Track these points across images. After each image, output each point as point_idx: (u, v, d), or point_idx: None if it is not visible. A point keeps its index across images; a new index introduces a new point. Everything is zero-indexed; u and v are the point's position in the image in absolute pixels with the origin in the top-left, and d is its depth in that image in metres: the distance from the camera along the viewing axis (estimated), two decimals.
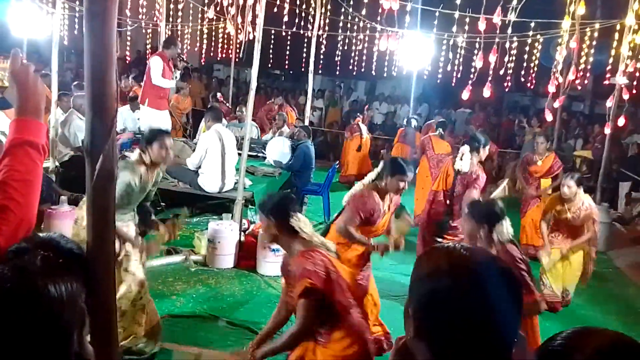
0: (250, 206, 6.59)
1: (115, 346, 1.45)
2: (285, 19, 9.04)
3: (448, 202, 5.22)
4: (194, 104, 12.00)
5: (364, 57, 10.99)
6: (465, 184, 5.09)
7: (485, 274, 1.04)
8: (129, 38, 10.55)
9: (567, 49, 6.76)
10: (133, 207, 3.66)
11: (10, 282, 1.00)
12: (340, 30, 10.48)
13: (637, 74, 7.18)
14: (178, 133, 9.71)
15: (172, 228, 3.83)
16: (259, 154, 8.54)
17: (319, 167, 9.07)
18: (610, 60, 7.27)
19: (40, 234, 1.21)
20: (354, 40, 10.95)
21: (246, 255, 5.64)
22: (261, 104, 12.47)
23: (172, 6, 9.72)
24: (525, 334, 2.67)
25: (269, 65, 13.24)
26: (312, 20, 9.21)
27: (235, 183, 6.34)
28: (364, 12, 8.07)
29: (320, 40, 9.69)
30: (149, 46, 12.15)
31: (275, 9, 8.61)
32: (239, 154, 6.30)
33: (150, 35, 10.98)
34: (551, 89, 6.27)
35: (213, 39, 11.62)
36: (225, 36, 11.20)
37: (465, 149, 5.19)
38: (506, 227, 3.12)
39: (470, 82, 5.75)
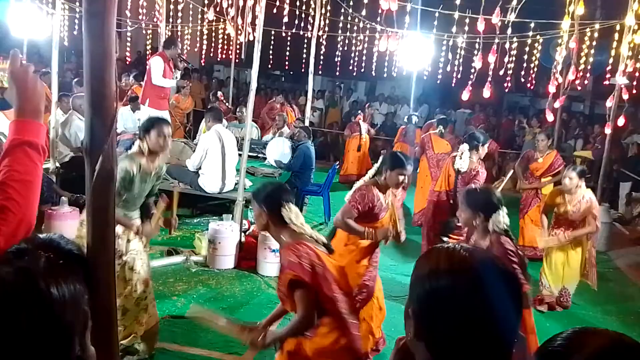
0: (250, 207, 6.59)
1: (115, 347, 1.45)
2: (285, 19, 9.04)
3: (452, 201, 5.22)
4: (193, 104, 12.00)
5: (364, 58, 11.01)
6: (467, 182, 5.10)
7: (485, 275, 1.04)
8: (129, 39, 10.56)
9: (566, 49, 6.77)
10: (137, 204, 3.60)
11: (12, 283, 0.99)
12: (340, 31, 10.49)
13: (637, 74, 7.19)
14: (177, 133, 9.69)
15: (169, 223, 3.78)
16: (259, 155, 8.54)
17: (319, 167, 9.07)
18: (610, 61, 7.27)
19: (40, 235, 1.20)
20: (353, 41, 10.96)
21: (246, 255, 5.64)
22: (261, 104, 12.47)
23: (172, 7, 9.73)
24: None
25: (269, 66, 13.25)
26: (312, 21, 9.22)
27: (236, 184, 6.34)
28: (363, 12, 8.07)
29: (320, 40, 9.70)
30: (149, 47, 12.16)
31: (275, 10, 8.62)
32: (239, 155, 6.30)
33: (151, 36, 10.99)
34: (551, 89, 6.28)
35: (213, 39, 11.63)
36: (226, 37, 11.22)
37: (464, 147, 5.19)
38: (502, 217, 3.10)
39: (470, 82, 5.75)
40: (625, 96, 6.55)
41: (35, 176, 1.41)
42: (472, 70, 5.97)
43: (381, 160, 3.72)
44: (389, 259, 6.06)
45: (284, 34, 10.49)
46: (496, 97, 13.83)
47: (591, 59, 8.30)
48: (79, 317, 1.04)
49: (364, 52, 10.93)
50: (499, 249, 2.96)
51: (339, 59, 11.34)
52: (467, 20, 6.94)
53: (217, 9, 7.75)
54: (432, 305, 1.05)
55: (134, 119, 8.32)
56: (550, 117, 6.71)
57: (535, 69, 9.94)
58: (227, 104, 10.57)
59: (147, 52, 11.84)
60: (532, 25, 7.74)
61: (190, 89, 11.12)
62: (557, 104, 6.84)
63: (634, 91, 7.42)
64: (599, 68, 9.14)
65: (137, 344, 3.60)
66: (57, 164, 6.61)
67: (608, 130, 6.75)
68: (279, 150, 8.16)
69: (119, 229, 3.41)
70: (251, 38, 6.89)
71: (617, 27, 6.76)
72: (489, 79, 5.66)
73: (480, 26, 5.55)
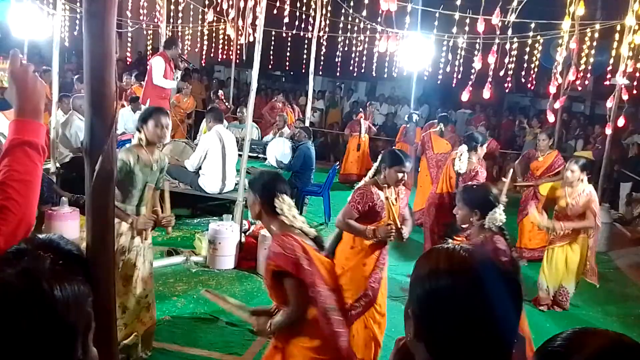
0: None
1: (114, 347, 1.45)
2: (286, 20, 9.04)
3: (455, 203, 5.22)
4: (195, 104, 12.00)
5: (364, 58, 11.01)
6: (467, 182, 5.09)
7: (484, 275, 1.04)
8: (129, 39, 10.56)
9: (567, 50, 6.77)
10: (143, 197, 3.51)
11: (16, 284, 0.99)
12: (340, 32, 10.49)
13: (638, 74, 7.19)
14: (178, 133, 9.70)
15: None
16: (260, 155, 8.55)
17: (319, 168, 9.07)
18: (611, 61, 7.27)
19: (40, 235, 1.20)
20: (354, 42, 10.96)
21: (247, 256, 5.64)
22: (262, 105, 12.48)
23: (172, 7, 9.74)
24: None
25: (270, 67, 13.25)
26: (312, 22, 9.22)
27: (236, 184, 6.34)
28: (364, 13, 8.07)
29: (321, 41, 9.70)
30: (149, 47, 12.16)
31: (276, 11, 8.62)
32: (240, 155, 6.30)
33: (151, 36, 10.99)
34: (552, 90, 6.28)
35: (214, 40, 11.63)
36: (226, 38, 11.21)
37: (463, 149, 5.19)
38: (499, 215, 3.10)
39: (470, 83, 5.75)
40: (625, 96, 6.55)
41: (35, 176, 1.41)
42: (473, 71, 5.97)
43: (380, 159, 3.70)
44: (389, 259, 6.05)
45: (284, 35, 10.49)
46: (497, 98, 13.83)
47: (591, 60, 8.30)
48: (82, 319, 1.04)
49: (365, 52, 10.94)
50: (490, 248, 2.95)
51: (340, 59, 11.35)
52: (467, 21, 6.94)
53: (218, 10, 7.76)
54: (432, 306, 1.05)
55: (135, 119, 8.32)
56: (551, 117, 6.71)
57: (536, 70, 9.94)
58: (227, 103, 10.57)
59: (148, 53, 11.84)
60: (533, 25, 7.74)
61: (191, 89, 11.13)
62: (557, 105, 6.83)
63: (635, 91, 7.42)
64: (599, 68, 9.14)
65: (138, 344, 3.58)
66: (58, 165, 6.62)
67: (608, 131, 6.75)
68: (279, 150, 8.16)
69: (124, 226, 3.40)
70: (252, 39, 6.90)
71: (618, 28, 6.76)
72: (489, 79, 5.66)
73: (481, 27, 5.55)
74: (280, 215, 2.51)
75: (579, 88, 8.92)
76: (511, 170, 5.67)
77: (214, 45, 11.73)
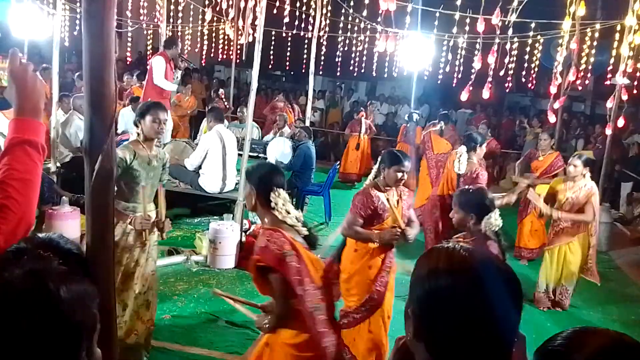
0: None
1: (114, 346, 1.44)
2: (286, 20, 9.03)
3: None
4: (196, 103, 11.99)
5: (365, 58, 11.01)
6: (468, 184, 5.07)
7: (484, 274, 1.04)
8: (129, 39, 10.56)
9: (567, 50, 6.76)
10: (147, 194, 3.48)
11: (22, 285, 0.98)
12: (340, 31, 10.49)
13: (638, 74, 7.18)
14: (180, 133, 9.70)
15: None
16: (260, 155, 8.54)
17: (320, 167, 9.07)
18: (611, 61, 7.26)
19: (40, 235, 1.20)
20: (354, 41, 10.96)
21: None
22: (262, 104, 12.46)
23: (172, 7, 9.73)
24: None
25: (270, 67, 13.24)
26: (312, 22, 9.22)
27: (236, 184, 6.34)
28: (364, 13, 8.07)
29: (321, 41, 9.70)
30: (149, 47, 12.16)
31: (276, 11, 8.61)
32: (240, 155, 6.30)
33: (151, 36, 10.98)
34: (553, 90, 6.27)
35: (214, 40, 11.63)
36: (226, 37, 11.21)
37: (462, 149, 5.18)
38: (494, 219, 3.11)
39: (470, 82, 5.74)
40: (624, 96, 6.55)
41: (34, 175, 1.41)
42: (473, 71, 5.97)
43: (379, 160, 3.70)
44: None
45: (284, 35, 10.49)
46: (497, 97, 13.82)
47: (592, 59, 8.29)
48: (88, 320, 1.03)
49: (365, 52, 10.93)
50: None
51: (340, 59, 11.34)
52: (467, 21, 6.93)
53: (217, 10, 7.75)
54: (431, 306, 1.05)
55: None
56: (552, 117, 6.71)
57: (536, 69, 9.93)
58: (226, 103, 10.57)
59: (148, 53, 11.84)
60: (533, 25, 7.74)
61: (191, 87, 11.13)
62: (557, 104, 6.83)
63: (635, 91, 7.41)
64: (599, 68, 9.13)
65: (140, 346, 3.56)
66: (58, 164, 6.62)
67: (608, 131, 6.75)
68: (279, 150, 8.16)
69: (130, 225, 3.40)
70: (252, 39, 6.89)
71: (618, 28, 6.76)
72: (489, 79, 5.66)
73: (481, 26, 5.55)
74: (274, 209, 2.50)
75: (580, 88, 8.91)
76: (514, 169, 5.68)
77: (214, 45, 11.73)
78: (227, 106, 10.32)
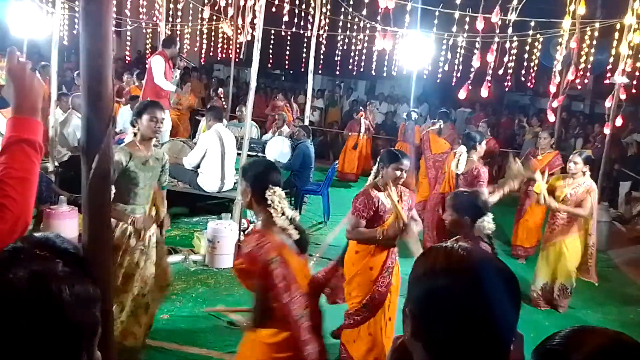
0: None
1: (112, 347, 1.44)
2: (285, 18, 9.03)
3: None
4: (196, 101, 11.98)
5: (364, 57, 11.00)
6: (469, 182, 5.07)
7: (482, 274, 1.03)
8: (128, 38, 10.55)
9: (567, 49, 6.76)
10: (146, 195, 3.47)
11: (24, 286, 0.97)
12: (340, 30, 10.49)
13: (637, 73, 7.18)
14: (181, 133, 9.68)
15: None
16: (259, 154, 8.54)
17: (319, 166, 9.07)
18: (611, 60, 7.27)
19: (36, 234, 1.20)
20: (353, 40, 10.95)
21: None
22: (261, 103, 12.46)
23: (172, 6, 9.72)
24: None
25: (269, 65, 13.25)
26: (312, 20, 9.21)
27: (235, 183, 6.34)
28: (364, 12, 8.07)
29: (320, 40, 9.70)
30: (148, 46, 12.15)
31: (275, 9, 8.61)
32: (239, 154, 6.30)
33: (150, 35, 10.98)
34: (553, 89, 6.28)
35: (213, 39, 11.62)
36: (225, 36, 11.21)
37: (462, 149, 5.18)
38: (487, 222, 3.11)
39: (469, 81, 5.74)
40: (623, 96, 6.56)
41: (32, 174, 1.41)
42: (472, 70, 5.97)
43: (378, 160, 3.71)
44: None
45: (283, 33, 10.48)
46: (496, 96, 13.82)
47: (591, 58, 8.30)
48: (89, 323, 1.02)
49: (364, 51, 10.93)
50: None
51: (339, 58, 11.34)
52: (467, 19, 6.93)
53: (216, 8, 7.74)
54: (429, 305, 1.05)
55: None
56: (551, 117, 6.71)
57: (536, 68, 9.94)
58: (223, 102, 10.57)
59: (147, 51, 11.84)
60: (533, 24, 7.74)
61: (190, 85, 11.12)
62: (555, 103, 6.83)
63: (634, 90, 7.42)
64: (599, 67, 9.14)
65: (138, 350, 3.54)
66: (56, 164, 6.61)
67: (607, 130, 6.75)
68: (278, 149, 8.16)
69: (131, 227, 3.38)
70: (251, 37, 6.89)
71: (617, 27, 6.76)
72: (488, 77, 5.66)
73: (480, 25, 5.54)
74: (269, 207, 2.48)
75: (579, 87, 8.92)
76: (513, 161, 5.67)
77: (213, 43, 11.72)
78: (225, 105, 10.32)
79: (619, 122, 6.64)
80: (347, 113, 14.74)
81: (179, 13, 10.82)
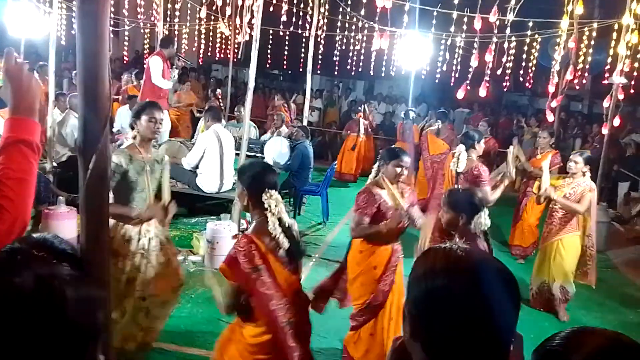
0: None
1: (110, 349, 1.43)
2: (284, 18, 9.03)
3: None
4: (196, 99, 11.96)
5: (362, 57, 11.00)
6: (470, 182, 5.06)
7: (480, 274, 1.03)
8: (126, 38, 10.54)
9: (565, 49, 6.77)
10: (147, 199, 3.44)
11: (29, 289, 0.96)
12: (338, 30, 10.48)
13: (635, 74, 7.19)
14: (181, 133, 9.66)
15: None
16: (257, 154, 8.54)
17: (317, 167, 9.06)
18: (609, 60, 7.28)
19: (34, 235, 1.19)
20: (352, 40, 10.95)
21: None
22: (260, 104, 12.44)
23: (169, 6, 9.71)
24: None
25: (267, 65, 13.23)
26: (310, 20, 9.21)
27: (234, 183, 6.33)
28: (362, 12, 8.06)
29: (319, 40, 9.69)
30: (146, 46, 12.13)
31: (273, 9, 8.60)
32: (237, 154, 6.29)
33: (148, 35, 10.97)
34: (551, 89, 6.28)
35: (211, 39, 11.61)
36: (223, 36, 11.20)
37: (461, 148, 5.18)
38: (484, 219, 3.12)
39: (467, 81, 5.74)
40: (621, 96, 6.56)
41: (30, 174, 1.40)
42: (470, 70, 5.97)
43: (379, 158, 3.71)
44: None
45: (282, 33, 10.47)
46: (495, 96, 13.83)
47: (589, 59, 8.31)
48: (92, 327, 1.02)
49: (362, 51, 10.93)
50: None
51: (337, 58, 11.34)
52: (465, 20, 6.94)
53: (214, 8, 7.74)
54: (428, 306, 1.04)
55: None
56: (550, 117, 6.72)
57: (534, 69, 9.95)
58: (221, 103, 10.56)
59: (145, 52, 11.82)
60: (531, 24, 7.75)
61: (189, 84, 11.11)
62: (554, 103, 6.84)
63: (632, 90, 7.43)
64: (597, 67, 9.15)
65: (137, 351, 3.52)
66: (55, 164, 6.60)
67: (605, 130, 6.76)
68: (276, 149, 8.16)
69: (133, 230, 3.35)
70: (249, 37, 6.88)
71: (615, 27, 6.77)
72: (487, 77, 5.66)
73: (478, 25, 5.54)
74: (265, 211, 2.46)
75: (577, 87, 8.93)
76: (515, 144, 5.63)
77: (211, 44, 11.71)
78: (222, 106, 10.31)
79: (617, 122, 6.64)
80: (346, 113, 14.74)
81: (177, 13, 10.80)
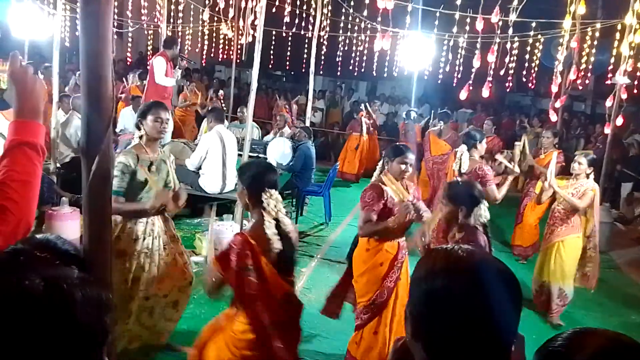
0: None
1: (112, 350, 1.44)
2: (286, 19, 9.04)
3: None
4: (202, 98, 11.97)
5: (365, 58, 11.00)
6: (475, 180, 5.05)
7: (481, 275, 1.03)
8: (130, 39, 10.57)
9: (568, 49, 6.76)
10: (149, 195, 3.42)
11: (40, 293, 0.96)
12: (341, 31, 10.49)
13: (638, 74, 7.18)
14: (185, 134, 9.67)
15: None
16: (260, 155, 8.54)
17: (320, 167, 9.07)
18: (612, 60, 7.26)
19: (37, 236, 1.20)
20: (354, 41, 10.96)
21: None
22: (262, 105, 12.44)
23: (173, 7, 9.73)
24: None
25: (270, 66, 13.25)
26: (312, 21, 9.22)
27: (236, 184, 6.33)
28: (365, 12, 8.07)
29: (321, 41, 9.70)
30: (150, 47, 12.16)
31: (276, 10, 8.61)
32: (240, 155, 6.30)
33: (152, 36, 10.98)
34: (554, 89, 6.27)
35: (214, 40, 11.63)
36: (226, 37, 11.22)
37: (462, 148, 5.18)
38: (483, 210, 3.12)
39: (469, 82, 5.74)
40: (624, 96, 6.55)
41: (34, 176, 1.41)
42: (473, 70, 5.96)
43: (383, 156, 3.72)
44: None
45: (284, 34, 10.48)
46: (497, 97, 13.81)
47: (592, 59, 8.29)
48: (100, 331, 1.02)
49: (365, 52, 10.93)
50: (470, 242, 2.94)
51: (340, 59, 11.34)
52: (468, 20, 6.93)
53: (217, 10, 7.75)
54: (429, 306, 1.05)
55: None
56: (553, 117, 6.71)
57: (537, 69, 9.93)
58: (223, 104, 10.57)
59: (149, 53, 11.84)
60: (534, 24, 7.74)
61: (194, 84, 11.13)
62: (557, 104, 6.83)
63: (635, 91, 7.41)
64: (600, 67, 9.14)
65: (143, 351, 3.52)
66: (58, 165, 6.62)
67: (608, 130, 6.75)
68: (279, 150, 8.16)
69: (139, 229, 3.36)
70: (252, 38, 6.89)
71: (618, 27, 6.76)
72: (489, 78, 5.66)
73: (480, 25, 5.54)
74: (265, 209, 2.47)
75: (580, 87, 8.90)
76: (524, 140, 5.61)
77: (214, 45, 11.73)
78: (224, 107, 10.33)
79: (619, 122, 6.62)
80: (348, 114, 14.74)
81: (180, 14, 10.83)
